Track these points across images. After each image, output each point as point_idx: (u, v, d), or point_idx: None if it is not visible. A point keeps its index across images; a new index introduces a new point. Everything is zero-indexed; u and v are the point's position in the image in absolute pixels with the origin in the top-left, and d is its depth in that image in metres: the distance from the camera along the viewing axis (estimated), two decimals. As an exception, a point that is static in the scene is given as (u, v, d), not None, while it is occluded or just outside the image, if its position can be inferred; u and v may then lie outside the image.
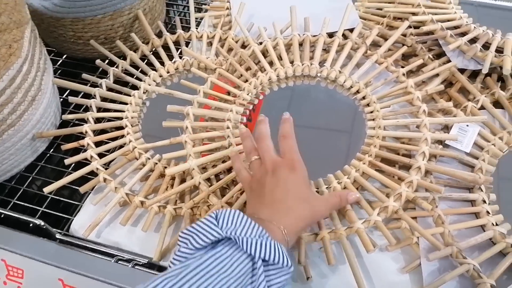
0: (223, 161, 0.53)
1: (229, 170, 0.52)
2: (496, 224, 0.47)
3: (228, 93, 0.59)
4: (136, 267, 0.45)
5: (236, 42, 0.67)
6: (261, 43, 0.64)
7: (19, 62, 0.50)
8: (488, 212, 0.47)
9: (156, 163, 0.54)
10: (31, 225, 0.51)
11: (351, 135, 0.57)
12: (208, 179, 0.52)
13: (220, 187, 0.50)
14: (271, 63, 0.62)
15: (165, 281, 0.30)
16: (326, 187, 0.49)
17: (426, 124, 0.52)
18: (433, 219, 0.48)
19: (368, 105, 0.56)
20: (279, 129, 0.46)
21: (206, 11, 0.77)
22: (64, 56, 0.74)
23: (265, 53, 0.64)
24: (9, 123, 0.52)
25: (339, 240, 0.45)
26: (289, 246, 0.38)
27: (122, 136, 0.57)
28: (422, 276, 0.45)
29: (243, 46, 0.66)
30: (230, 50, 0.66)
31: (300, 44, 0.63)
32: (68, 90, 0.66)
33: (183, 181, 0.53)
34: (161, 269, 0.47)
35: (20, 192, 0.56)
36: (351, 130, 0.57)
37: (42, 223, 0.48)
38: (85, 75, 0.64)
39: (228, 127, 0.54)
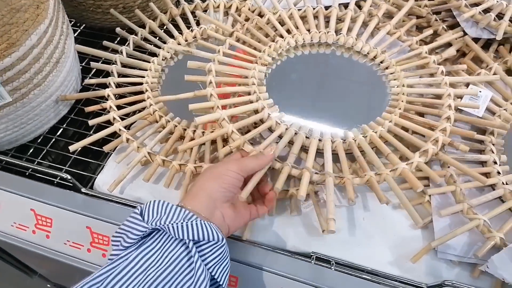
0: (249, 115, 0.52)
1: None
2: (506, 184, 0.48)
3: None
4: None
5: (253, 12, 0.68)
6: (275, 13, 0.65)
7: (46, 23, 0.52)
8: (498, 172, 0.49)
9: (176, 126, 0.56)
10: (55, 181, 0.54)
11: (367, 97, 0.57)
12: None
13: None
14: (287, 31, 0.63)
15: None
16: (363, 136, 0.49)
17: (446, 82, 0.53)
18: (445, 179, 0.49)
19: (387, 68, 0.57)
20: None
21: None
22: (83, 26, 0.76)
23: (278, 20, 0.64)
24: (35, 83, 0.53)
25: (385, 181, 0.45)
26: (226, 217, 0.39)
27: (142, 100, 0.59)
28: (433, 231, 0.47)
29: (259, 16, 0.68)
30: (246, 20, 0.68)
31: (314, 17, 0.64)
32: (87, 59, 0.67)
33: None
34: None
35: (43, 152, 0.58)
36: (366, 93, 0.57)
37: (69, 177, 0.50)
38: (106, 42, 0.66)
39: (253, 83, 0.54)
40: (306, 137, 0.49)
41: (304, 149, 0.50)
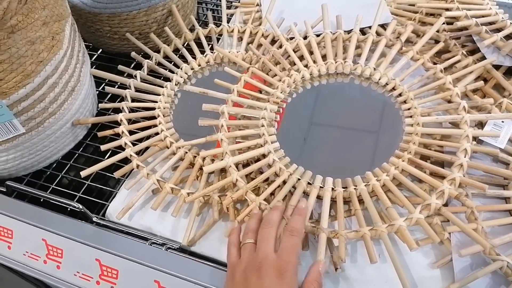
0: (258, 160, 0.53)
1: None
2: (532, 222, 0.46)
3: (260, 91, 0.60)
4: (169, 250, 0.47)
5: (266, 37, 0.68)
6: (291, 38, 0.65)
7: (61, 53, 0.53)
8: (523, 210, 0.47)
9: (186, 152, 0.56)
10: (68, 209, 0.54)
11: (380, 132, 0.56)
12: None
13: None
14: (301, 57, 0.62)
15: None
16: (365, 185, 0.49)
17: (467, 121, 0.51)
18: (465, 215, 0.47)
19: (405, 102, 0.56)
20: (290, 220, 0.44)
21: (236, 7, 0.78)
22: (100, 51, 0.77)
23: (296, 49, 0.64)
24: (50, 112, 0.54)
25: (380, 238, 0.45)
26: None
27: (155, 125, 0.59)
28: (453, 271, 0.44)
29: (273, 41, 0.67)
30: (260, 45, 0.67)
31: (332, 41, 0.63)
32: (104, 83, 0.68)
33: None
34: (192, 254, 0.48)
35: (58, 178, 0.59)
36: (379, 128, 0.57)
37: (81, 207, 0.50)
38: (121, 67, 0.66)
39: (262, 125, 0.55)
40: (308, 183, 0.49)
41: (306, 194, 0.50)
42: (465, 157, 0.48)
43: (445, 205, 0.49)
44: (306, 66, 0.61)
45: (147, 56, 0.68)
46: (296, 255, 0.40)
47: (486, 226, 0.46)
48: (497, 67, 0.59)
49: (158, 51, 0.68)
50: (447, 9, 0.64)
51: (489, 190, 0.48)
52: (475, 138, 0.52)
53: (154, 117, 0.60)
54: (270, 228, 0.42)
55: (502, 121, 0.52)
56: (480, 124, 0.54)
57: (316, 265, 0.41)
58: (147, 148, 0.58)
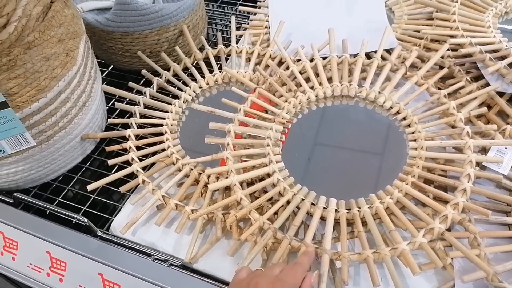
0: (262, 178, 0.54)
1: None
2: (535, 250, 0.45)
3: (266, 111, 0.61)
4: (171, 267, 0.47)
5: (274, 58, 0.69)
6: (298, 61, 0.66)
7: (74, 69, 0.54)
8: (527, 237, 0.46)
9: (192, 169, 0.57)
10: (73, 222, 0.54)
11: (384, 155, 0.57)
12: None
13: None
14: (307, 79, 0.63)
15: None
16: (368, 207, 0.49)
17: (470, 146, 0.52)
18: (468, 241, 0.47)
19: (409, 125, 0.57)
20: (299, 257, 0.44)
21: (245, 29, 0.80)
22: (111, 67, 0.79)
23: (302, 71, 0.65)
24: (61, 126, 0.55)
25: (383, 261, 0.45)
26: None
27: (162, 142, 0.60)
28: (455, 297, 0.44)
29: (280, 63, 0.69)
30: (267, 66, 0.69)
31: (338, 65, 0.65)
32: (114, 99, 0.70)
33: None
34: (194, 271, 0.48)
35: (65, 191, 0.60)
36: (383, 150, 0.57)
37: (86, 220, 0.51)
38: (131, 83, 0.68)
39: (268, 145, 0.55)
40: (312, 203, 0.50)
41: (310, 214, 0.50)
42: (468, 182, 0.48)
43: (448, 230, 0.49)
44: (312, 88, 0.62)
45: (157, 74, 0.69)
46: (295, 280, 0.40)
47: (489, 252, 0.46)
48: (501, 93, 0.59)
49: (168, 69, 0.70)
50: (452, 36, 0.66)
51: (492, 216, 0.48)
52: (478, 164, 0.53)
53: (161, 134, 0.61)
54: (300, 268, 0.41)
55: (506, 148, 0.53)
56: (484, 150, 0.55)
57: (308, 278, 0.41)
58: (153, 164, 0.59)
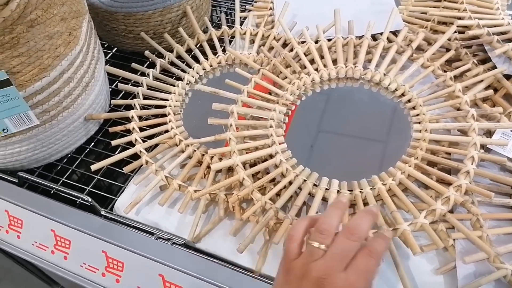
0: (265, 160, 0.54)
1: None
2: (538, 232, 0.45)
3: (270, 93, 0.61)
4: (174, 245, 0.47)
5: (278, 40, 0.69)
6: (303, 42, 0.65)
7: (77, 49, 0.54)
8: (529, 219, 0.46)
9: (195, 150, 0.57)
10: (77, 202, 0.55)
11: (388, 137, 0.56)
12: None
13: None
14: (311, 61, 0.63)
15: None
16: (370, 188, 0.49)
17: (475, 129, 0.51)
18: (471, 223, 0.47)
19: (414, 108, 0.56)
20: (372, 240, 0.35)
21: (249, 11, 0.79)
22: (114, 49, 0.78)
23: (307, 53, 0.65)
24: (64, 106, 0.55)
25: None
26: None
27: (165, 123, 0.60)
28: (456, 278, 0.44)
29: (285, 45, 0.68)
30: (271, 48, 0.68)
31: (343, 46, 0.64)
32: (117, 81, 0.70)
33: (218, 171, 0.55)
34: (197, 250, 0.48)
35: (69, 171, 0.60)
36: (387, 133, 0.57)
37: (90, 200, 0.51)
38: (134, 65, 0.68)
39: (271, 126, 0.55)
40: (314, 184, 0.50)
41: (312, 195, 0.50)
42: (472, 164, 0.48)
43: (451, 212, 0.49)
44: (316, 69, 0.61)
45: (160, 55, 0.69)
46: (368, 281, 0.32)
47: (491, 234, 0.46)
48: (507, 76, 0.59)
49: (171, 51, 0.70)
50: (459, 18, 0.64)
51: (495, 199, 0.48)
52: (483, 147, 0.52)
53: (164, 115, 0.61)
54: (354, 241, 0.33)
55: (511, 130, 0.52)
56: (489, 133, 0.54)
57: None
58: (156, 145, 0.59)
